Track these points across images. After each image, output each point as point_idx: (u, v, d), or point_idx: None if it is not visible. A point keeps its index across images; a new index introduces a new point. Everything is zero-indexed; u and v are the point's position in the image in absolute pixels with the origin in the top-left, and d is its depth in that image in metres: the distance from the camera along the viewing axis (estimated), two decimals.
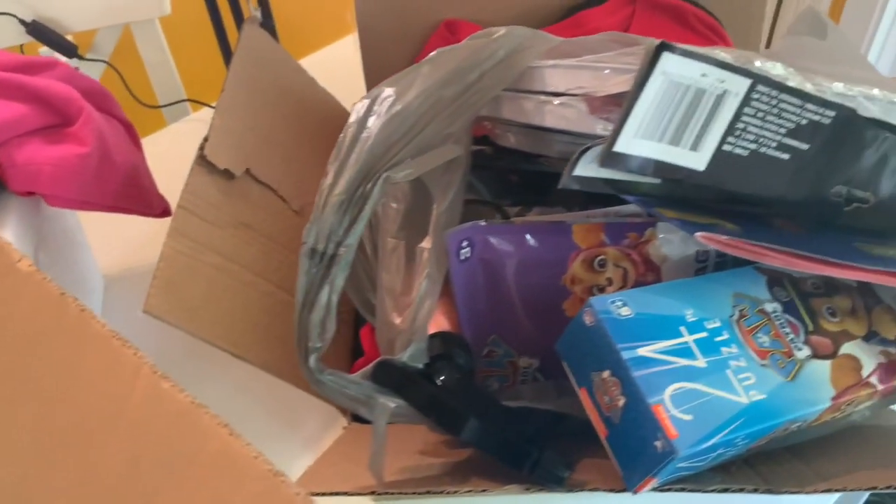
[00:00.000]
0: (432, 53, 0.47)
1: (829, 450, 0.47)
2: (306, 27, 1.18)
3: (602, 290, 0.50)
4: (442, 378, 0.45)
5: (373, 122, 0.43)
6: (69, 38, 1.03)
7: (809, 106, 0.38)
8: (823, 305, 0.47)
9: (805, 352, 0.44)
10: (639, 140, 0.37)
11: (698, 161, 0.39)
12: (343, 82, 0.83)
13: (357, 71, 0.82)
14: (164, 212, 0.71)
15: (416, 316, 0.47)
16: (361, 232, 0.42)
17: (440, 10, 0.76)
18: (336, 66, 0.89)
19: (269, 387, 0.54)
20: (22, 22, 1.01)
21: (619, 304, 0.43)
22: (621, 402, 0.41)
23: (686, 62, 0.35)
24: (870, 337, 0.46)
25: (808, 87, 0.38)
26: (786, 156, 0.40)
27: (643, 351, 0.41)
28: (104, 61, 1.09)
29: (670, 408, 0.40)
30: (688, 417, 0.40)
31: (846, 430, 0.48)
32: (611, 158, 0.37)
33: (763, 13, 0.76)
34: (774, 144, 0.39)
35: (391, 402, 0.42)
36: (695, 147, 0.38)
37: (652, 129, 0.37)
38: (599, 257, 0.50)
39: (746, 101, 0.37)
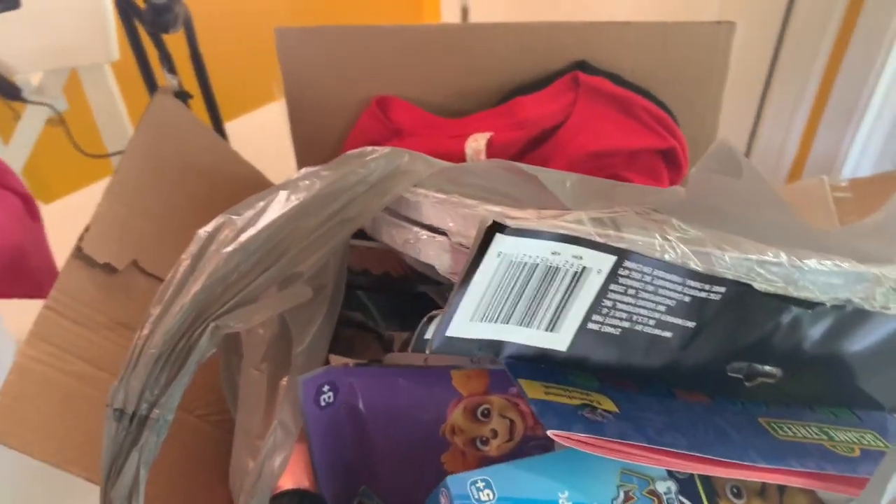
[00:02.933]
0: (296, 174, 0.42)
1: None
2: (243, 87, 1.14)
3: (486, 442, 0.44)
4: None
5: (208, 259, 0.38)
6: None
7: (692, 283, 0.33)
8: (728, 484, 0.40)
9: None
10: (477, 323, 0.31)
11: (559, 342, 0.33)
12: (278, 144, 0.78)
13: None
14: None
15: (262, 471, 0.41)
16: (182, 391, 0.36)
17: (371, 85, 0.71)
18: (273, 126, 0.84)
19: None
20: None
21: (481, 485, 0.37)
22: None
23: (525, 242, 0.29)
24: None
25: (692, 262, 0.32)
26: (668, 333, 0.34)
27: None
28: (49, 105, 1.04)
29: None
30: None
31: None
32: (446, 343, 0.31)
33: (719, 104, 0.70)
34: (653, 322, 0.33)
35: None
36: (552, 328, 0.32)
37: (493, 310, 0.31)
38: (483, 406, 0.44)
39: (613, 277, 0.31)
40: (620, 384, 0.39)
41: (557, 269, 0.31)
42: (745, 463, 0.35)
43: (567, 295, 0.31)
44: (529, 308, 0.32)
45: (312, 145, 0.75)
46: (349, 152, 0.42)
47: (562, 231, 0.29)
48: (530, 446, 0.44)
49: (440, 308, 0.35)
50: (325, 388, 0.43)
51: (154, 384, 0.36)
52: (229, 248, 0.38)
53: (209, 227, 0.40)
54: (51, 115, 1.06)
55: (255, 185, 0.75)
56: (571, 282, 0.31)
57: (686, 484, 0.40)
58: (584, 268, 0.31)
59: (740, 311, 0.34)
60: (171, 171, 0.65)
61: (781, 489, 0.41)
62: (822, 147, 1.31)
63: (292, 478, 0.43)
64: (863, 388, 0.41)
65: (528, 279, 0.31)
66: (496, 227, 0.28)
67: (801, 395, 0.40)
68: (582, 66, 0.68)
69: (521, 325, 0.32)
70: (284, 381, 0.44)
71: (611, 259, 0.31)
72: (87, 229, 0.56)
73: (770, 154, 1.44)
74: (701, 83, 0.70)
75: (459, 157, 0.65)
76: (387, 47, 0.69)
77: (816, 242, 0.40)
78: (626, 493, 0.38)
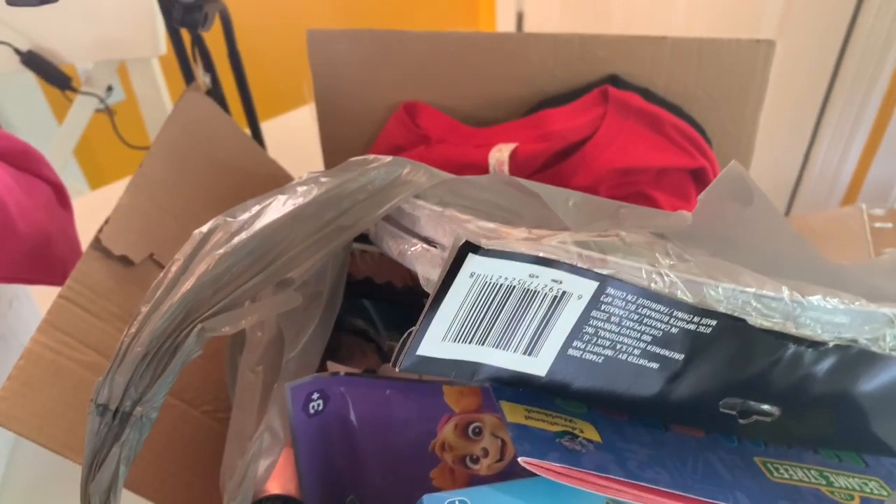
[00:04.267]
0: (298, 179, 0.42)
1: None
2: (277, 88, 1.14)
3: (476, 461, 0.44)
4: None
5: (200, 259, 0.38)
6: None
7: (680, 314, 0.31)
8: None
9: None
10: (450, 344, 0.30)
11: (537, 367, 0.32)
12: (310, 147, 0.79)
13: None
14: None
15: (246, 473, 0.41)
16: (166, 390, 0.37)
17: (401, 90, 0.71)
18: (306, 128, 0.85)
19: None
20: (17, 51, 0.99)
21: None
22: None
23: (501, 263, 0.28)
24: None
25: (680, 292, 0.31)
26: (654, 365, 0.33)
27: None
28: (96, 95, 1.07)
29: None
30: None
31: None
32: (417, 362, 0.31)
33: (756, 125, 0.68)
34: (637, 352, 0.32)
35: None
36: (530, 352, 0.31)
37: (467, 331, 0.30)
38: (474, 424, 0.43)
39: (594, 303, 0.30)
40: (610, 413, 0.37)
41: (535, 292, 0.30)
42: None
43: (546, 319, 0.30)
44: (506, 330, 0.31)
45: (341, 148, 0.75)
46: (352, 159, 0.42)
47: (540, 253, 0.29)
48: (521, 468, 0.43)
49: None
50: (315, 395, 0.42)
51: (139, 382, 0.36)
52: (221, 251, 0.38)
53: (205, 228, 0.40)
54: (99, 105, 1.09)
55: (281, 185, 0.76)
56: (550, 306, 0.30)
57: None
58: (563, 292, 0.30)
59: (734, 346, 0.33)
60: (197, 168, 0.66)
61: None
62: (880, 173, 1.26)
63: (279, 483, 0.43)
64: (872, 432, 0.39)
65: (504, 301, 0.30)
66: (468, 248, 0.27)
67: (802, 435, 0.38)
68: (614, 80, 0.66)
69: (497, 347, 0.31)
70: (276, 384, 0.44)
71: (592, 284, 0.30)
72: (107, 221, 0.57)
73: (824, 179, 1.39)
74: (737, 102, 0.68)
75: (483, 167, 0.64)
76: (417, 53, 0.69)
77: (829, 277, 0.38)
78: None
